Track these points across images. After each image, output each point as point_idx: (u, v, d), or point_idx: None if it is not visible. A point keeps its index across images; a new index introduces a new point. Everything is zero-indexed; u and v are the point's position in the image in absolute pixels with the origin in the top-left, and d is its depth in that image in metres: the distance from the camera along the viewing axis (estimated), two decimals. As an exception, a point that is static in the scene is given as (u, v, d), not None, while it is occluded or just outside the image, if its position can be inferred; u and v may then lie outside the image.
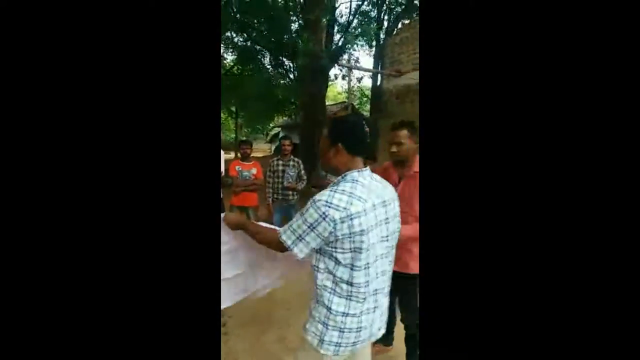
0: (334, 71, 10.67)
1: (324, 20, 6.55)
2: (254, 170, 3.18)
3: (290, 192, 3.12)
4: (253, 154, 3.48)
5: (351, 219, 0.83)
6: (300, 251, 0.89)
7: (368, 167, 0.96)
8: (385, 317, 1.01)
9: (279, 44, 8.31)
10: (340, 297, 0.90)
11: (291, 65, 9.28)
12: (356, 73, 11.12)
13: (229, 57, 11.69)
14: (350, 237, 0.84)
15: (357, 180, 0.89)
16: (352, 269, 0.87)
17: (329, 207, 0.84)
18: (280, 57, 9.47)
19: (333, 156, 0.93)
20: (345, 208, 0.83)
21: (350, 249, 0.86)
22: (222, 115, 16.57)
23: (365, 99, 15.33)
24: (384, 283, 0.97)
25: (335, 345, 0.90)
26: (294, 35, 7.76)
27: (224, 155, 2.91)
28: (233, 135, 16.25)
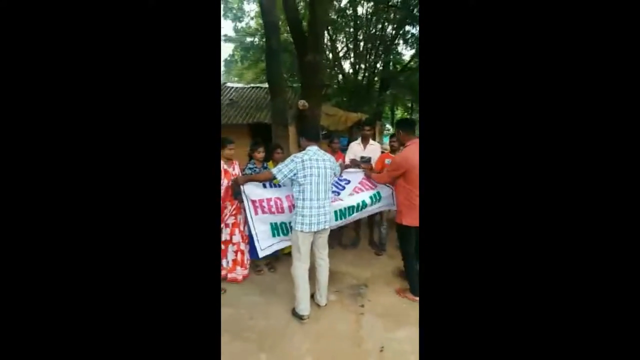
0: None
1: None
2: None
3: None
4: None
5: (302, 163, 1.99)
6: (281, 177, 2.01)
7: (315, 145, 2.13)
8: (328, 217, 2.10)
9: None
10: (299, 200, 2.03)
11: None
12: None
13: (408, 53, 11.63)
14: (302, 172, 1.98)
15: (308, 151, 2.07)
16: (303, 188, 2.01)
17: (293, 158, 2.02)
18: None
19: (300, 141, 2.21)
20: (301, 159, 2.00)
21: (303, 176, 1.98)
22: (399, 111, 16.76)
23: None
24: (322, 197, 2.05)
25: (301, 224, 2.02)
26: None
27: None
28: (408, 131, 16.08)
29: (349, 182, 2.66)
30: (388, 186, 2.59)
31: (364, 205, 2.54)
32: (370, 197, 2.57)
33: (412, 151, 2.19)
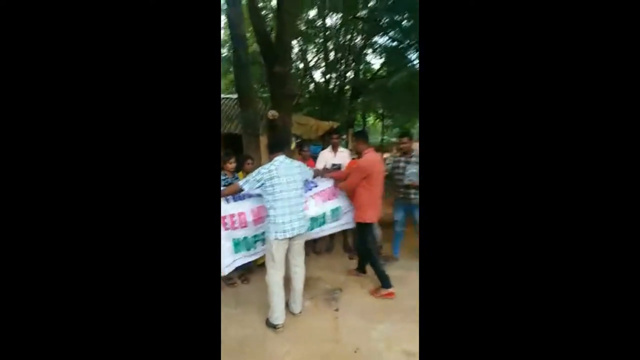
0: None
1: None
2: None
3: (412, 191, 2.92)
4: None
5: (269, 173, 2.04)
6: (247, 187, 2.09)
7: (283, 155, 2.16)
8: (303, 222, 2.14)
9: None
10: (271, 209, 2.05)
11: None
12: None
13: (377, 62, 12.05)
14: (270, 182, 2.03)
15: (274, 161, 2.11)
16: (273, 197, 2.04)
17: (260, 170, 2.07)
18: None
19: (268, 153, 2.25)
20: (268, 170, 2.05)
21: (271, 186, 2.03)
22: (370, 118, 17.22)
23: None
24: (294, 203, 2.09)
25: (275, 232, 2.03)
26: None
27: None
28: (381, 138, 16.55)
29: (317, 185, 2.75)
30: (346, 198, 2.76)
31: (323, 219, 2.69)
32: (332, 211, 2.72)
33: (373, 157, 2.52)
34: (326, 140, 6.80)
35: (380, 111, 14.74)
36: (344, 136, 10.87)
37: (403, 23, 8.57)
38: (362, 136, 2.66)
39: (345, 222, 2.85)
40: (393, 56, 10.00)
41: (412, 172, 2.90)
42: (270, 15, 8.84)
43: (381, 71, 12.08)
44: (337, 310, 2.31)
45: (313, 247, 3.40)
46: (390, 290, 2.46)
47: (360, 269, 2.87)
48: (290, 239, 2.08)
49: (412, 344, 1.86)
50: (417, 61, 9.73)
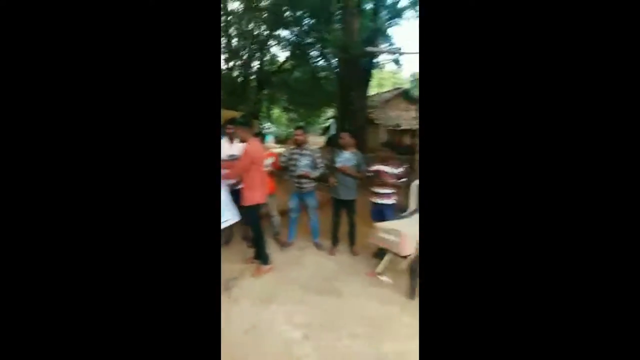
0: (385, 57, 10.26)
1: (353, 7, 6.36)
2: (271, 160, 3.31)
3: (305, 180, 3.16)
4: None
5: None
6: None
7: None
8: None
9: (321, 37, 8.35)
10: None
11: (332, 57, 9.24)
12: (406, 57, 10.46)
13: (282, 54, 12.13)
14: None
15: None
16: None
17: None
18: (321, 49, 9.49)
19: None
20: None
21: None
22: (276, 111, 17.33)
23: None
24: None
25: None
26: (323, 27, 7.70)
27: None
28: (286, 131, 16.86)
29: None
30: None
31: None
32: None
33: (257, 144, 2.75)
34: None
35: (286, 104, 14.99)
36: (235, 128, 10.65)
37: (305, 21, 8.90)
38: (244, 124, 2.84)
39: (231, 216, 2.82)
40: (297, 51, 10.27)
41: (305, 164, 3.14)
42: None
43: (286, 64, 12.26)
44: (229, 297, 2.37)
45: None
46: (269, 266, 2.74)
47: (259, 257, 2.97)
48: None
49: (303, 318, 2.08)
50: (319, 58, 10.31)
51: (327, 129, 16.06)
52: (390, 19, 7.27)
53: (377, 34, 5.31)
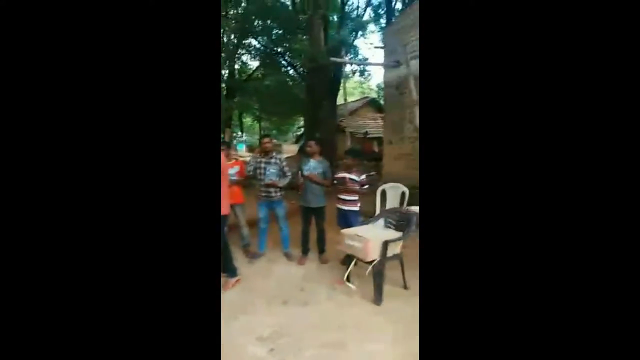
0: (353, 67, 10.54)
1: (319, 19, 6.54)
2: (236, 169, 3.26)
3: (272, 189, 3.15)
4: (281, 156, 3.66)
5: None
6: None
7: None
8: None
9: (290, 47, 8.43)
10: None
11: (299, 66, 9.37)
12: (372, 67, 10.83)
13: (253, 63, 12.07)
14: None
15: None
16: None
17: None
18: (290, 59, 9.59)
19: None
20: None
21: None
22: (248, 119, 17.15)
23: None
24: None
25: None
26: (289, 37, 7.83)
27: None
28: (259, 139, 16.71)
29: None
30: None
31: None
32: None
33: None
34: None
35: (257, 113, 14.89)
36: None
37: (274, 31, 8.95)
38: None
39: None
40: (268, 59, 10.28)
41: (271, 172, 3.13)
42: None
43: (257, 73, 12.22)
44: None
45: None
46: (236, 279, 2.69)
47: (225, 270, 2.89)
48: None
49: (268, 331, 2.04)
50: (288, 68, 10.38)
51: (300, 137, 16.14)
52: (354, 31, 7.53)
53: (342, 45, 5.47)
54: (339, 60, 4.84)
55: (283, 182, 3.16)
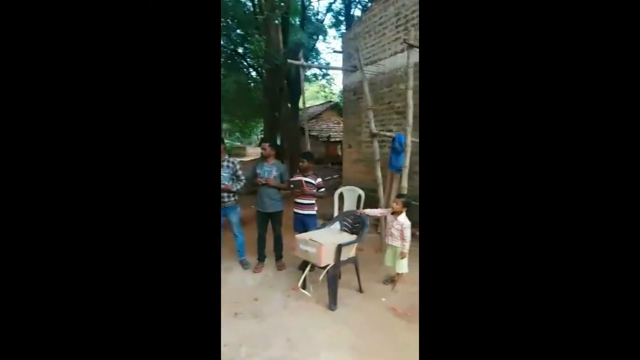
0: (314, 71, 10.58)
1: (277, 21, 6.50)
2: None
3: (225, 194, 2.99)
4: (246, 158, 3.43)
5: None
6: None
7: None
8: None
9: (250, 48, 8.26)
10: None
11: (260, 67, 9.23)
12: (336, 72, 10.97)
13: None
14: None
15: None
16: None
17: None
18: (251, 60, 9.41)
19: None
20: None
21: None
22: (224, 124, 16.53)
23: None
24: None
25: None
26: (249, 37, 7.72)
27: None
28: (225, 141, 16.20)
29: None
30: None
31: None
32: None
33: None
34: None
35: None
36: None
37: (234, 32, 8.70)
38: None
39: None
40: (229, 60, 9.97)
41: (224, 176, 2.97)
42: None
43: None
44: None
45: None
46: None
47: None
48: None
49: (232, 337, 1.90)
50: (250, 69, 10.16)
51: (263, 139, 15.82)
52: (314, 34, 7.57)
53: (300, 48, 5.45)
54: (296, 62, 4.77)
55: (236, 187, 3.02)
